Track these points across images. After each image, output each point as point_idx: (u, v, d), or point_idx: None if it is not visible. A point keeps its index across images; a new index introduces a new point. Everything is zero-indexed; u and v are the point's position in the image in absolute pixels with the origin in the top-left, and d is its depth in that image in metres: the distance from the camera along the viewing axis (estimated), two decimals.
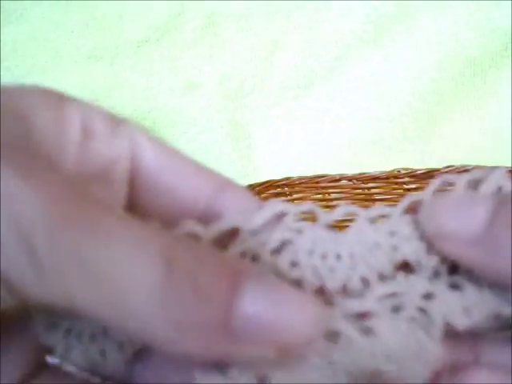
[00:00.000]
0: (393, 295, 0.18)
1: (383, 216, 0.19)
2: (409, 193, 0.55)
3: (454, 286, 0.18)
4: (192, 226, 0.18)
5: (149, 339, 0.15)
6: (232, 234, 0.19)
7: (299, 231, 0.19)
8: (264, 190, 0.58)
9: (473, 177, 0.18)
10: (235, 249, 0.19)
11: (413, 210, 0.19)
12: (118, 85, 0.70)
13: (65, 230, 0.15)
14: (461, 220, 0.17)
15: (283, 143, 0.67)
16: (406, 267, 0.19)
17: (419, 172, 0.57)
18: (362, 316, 0.17)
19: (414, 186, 0.57)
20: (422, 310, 0.18)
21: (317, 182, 0.58)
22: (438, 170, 0.55)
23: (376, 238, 0.18)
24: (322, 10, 0.71)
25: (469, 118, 0.66)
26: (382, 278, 0.19)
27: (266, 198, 0.57)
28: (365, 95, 0.68)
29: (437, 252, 0.18)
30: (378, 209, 0.19)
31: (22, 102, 0.17)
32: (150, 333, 0.15)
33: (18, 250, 0.15)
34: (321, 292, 0.18)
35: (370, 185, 0.58)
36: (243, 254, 0.19)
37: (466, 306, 0.18)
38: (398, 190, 0.58)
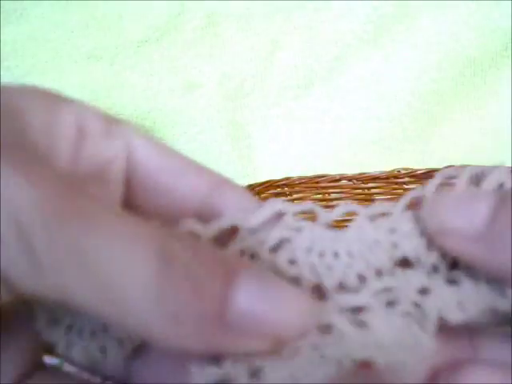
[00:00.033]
0: (388, 290, 0.18)
1: (383, 214, 0.19)
2: None
3: (451, 281, 0.19)
4: (192, 225, 0.18)
5: (145, 334, 0.15)
6: (232, 232, 0.19)
7: (298, 230, 0.19)
8: (264, 190, 0.58)
9: (474, 173, 0.19)
10: (234, 247, 0.19)
11: (413, 205, 0.19)
12: (117, 85, 0.70)
13: (62, 227, 0.15)
14: (463, 217, 0.18)
15: (283, 143, 0.67)
16: (405, 264, 0.19)
17: (419, 172, 0.57)
18: (357, 310, 0.18)
19: (413, 186, 0.57)
20: (417, 305, 0.18)
21: (317, 182, 0.59)
22: (437, 170, 0.55)
23: (376, 235, 0.19)
24: (321, 10, 0.71)
25: (469, 118, 0.66)
26: (380, 274, 0.19)
27: (266, 198, 0.57)
28: (365, 95, 0.68)
29: (437, 248, 0.19)
30: (378, 206, 0.19)
31: (17, 102, 0.18)
32: (147, 328, 0.15)
33: (17, 248, 0.15)
34: (318, 289, 0.18)
35: (370, 185, 0.59)
36: (242, 252, 0.19)
37: (460, 301, 0.18)
38: (398, 190, 0.58)
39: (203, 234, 0.18)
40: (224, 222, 0.19)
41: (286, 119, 0.68)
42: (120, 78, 0.70)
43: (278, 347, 0.16)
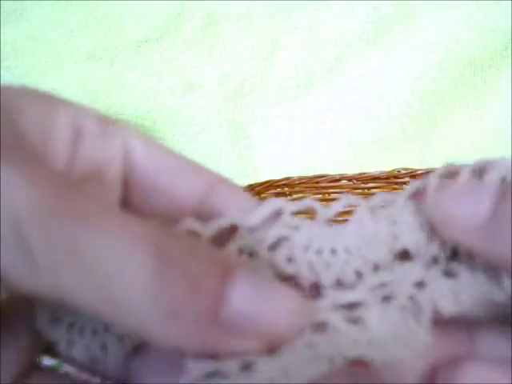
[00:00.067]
0: (384, 285, 0.18)
1: (383, 206, 0.19)
2: None
3: (449, 274, 0.19)
4: (191, 224, 0.18)
5: (143, 333, 0.16)
6: (231, 231, 0.19)
7: (296, 228, 0.19)
8: (264, 190, 0.58)
9: (477, 166, 0.19)
10: (233, 245, 0.19)
11: (414, 198, 0.19)
12: (118, 85, 0.70)
13: (61, 226, 0.15)
14: (466, 207, 0.18)
15: (283, 143, 0.67)
16: (405, 256, 0.19)
17: (419, 172, 0.57)
18: (353, 307, 0.18)
19: None
20: (413, 299, 0.18)
21: (317, 182, 0.59)
22: None
23: (376, 227, 0.19)
24: (321, 10, 0.71)
25: (469, 118, 0.66)
26: (377, 268, 0.19)
27: (265, 198, 0.57)
28: (365, 95, 0.68)
29: (438, 239, 0.19)
30: (378, 198, 0.19)
31: (16, 103, 0.18)
32: (145, 327, 0.15)
33: (15, 248, 0.15)
34: (316, 287, 0.19)
35: (370, 185, 0.59)
36: (241, 251, 0.19)
37: (456, 293, 0.18)
38: (398, 190, 0.58)
39: (202, 233, 0.18)
40: (223, 221, 0.19)
41: (286, 119, 0.68)
42: (120, 78, 0.70)
43: (272, 347, 0.16)
